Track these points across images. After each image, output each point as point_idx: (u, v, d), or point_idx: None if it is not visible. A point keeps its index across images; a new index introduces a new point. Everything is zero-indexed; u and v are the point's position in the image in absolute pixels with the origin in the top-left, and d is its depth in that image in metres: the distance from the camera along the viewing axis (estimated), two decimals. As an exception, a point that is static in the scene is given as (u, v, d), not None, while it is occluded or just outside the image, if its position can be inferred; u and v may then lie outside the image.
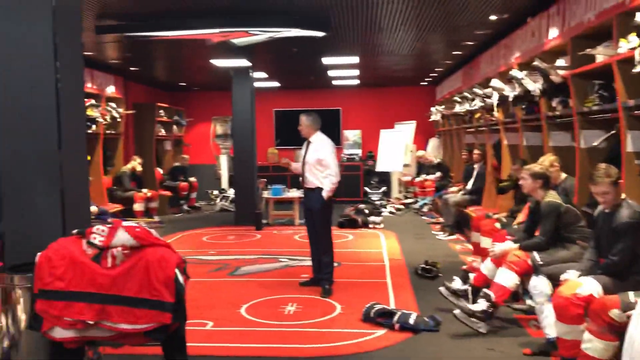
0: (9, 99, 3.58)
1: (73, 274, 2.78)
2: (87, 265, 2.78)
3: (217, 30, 6.28)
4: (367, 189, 13.39)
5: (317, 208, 5.68)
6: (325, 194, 5.59)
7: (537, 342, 4.15)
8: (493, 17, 6.50)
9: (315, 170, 5.64)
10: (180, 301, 2.81)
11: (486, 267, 4.78)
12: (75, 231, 3.00)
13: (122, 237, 2.81)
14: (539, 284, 4.02)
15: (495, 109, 6.81)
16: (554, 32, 5.45)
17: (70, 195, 3.66)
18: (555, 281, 3.99)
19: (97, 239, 2.81)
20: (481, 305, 4.34)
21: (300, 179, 5.84)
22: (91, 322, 2.76)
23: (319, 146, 5.67)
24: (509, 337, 4.32)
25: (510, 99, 6.01)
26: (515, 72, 5.81)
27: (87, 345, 3.03)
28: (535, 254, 4.33)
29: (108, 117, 9.72)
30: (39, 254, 2.92)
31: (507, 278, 4.32)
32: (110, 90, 10.06)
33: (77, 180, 3.79)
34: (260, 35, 6.42)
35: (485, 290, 4.40)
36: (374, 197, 12.95)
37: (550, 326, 3.86)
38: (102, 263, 2.80)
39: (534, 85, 5.51)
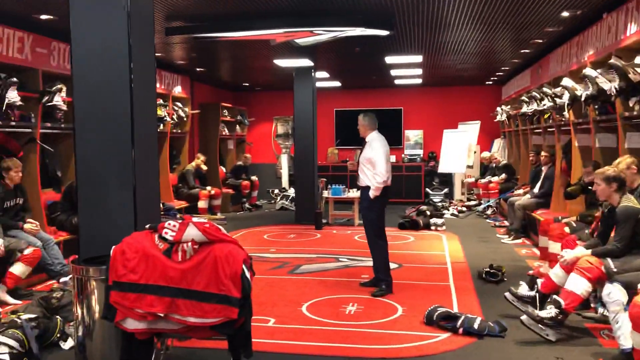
0: (85, 99, 3.76)
1: (145, 267, 2.87)
2: (159, 259, 2.87)
3: (281, 31, 6.34)
4: (428, 190, 13.22)
5: (364, 206, 5.76)
6: (371, 192, 5.59)
7: (610, 352, 3.97)
8: (565, 14, 6.25)
9: (365, 170, 5.67)
10: (247, 297, 2.85)
11: (555, 273, 4.60)
12: (147, 226, 3.10)
13: (192, 232, 2.88)
14: (614, 292, 3.83)
15: (566, 109, 6.54)
16: (632, 28, 5.18)
17: (142, 191, 3.80)
18: (630, 289, 3.81)
19: (169, 234, 2.89)
20: (550, 312, 4.18)
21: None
22: (161, 315, 2.84)
23: (372, 145, 5.69)
24: (580, 346, 4.14)
25: (583, 99, 5.75)
26: (588, 71, 5.56)
27: (156, 337, 3.12)
28: (609, 261, 4.14)
29: (175, 117, 10.02)
30: (113, 247, 3.03)
31: (579, 285, 4.15)
32: (177, 90, 10.36)
33: (148, 177, 3.92)
34: (324, 35, 6.43)
35: (554, 296, 4.24)
36: (436, 199, 12.77)
37: (626, 337, 3.68)
38: (173, 257, 2.88)
39: (610, 84, 5.25)
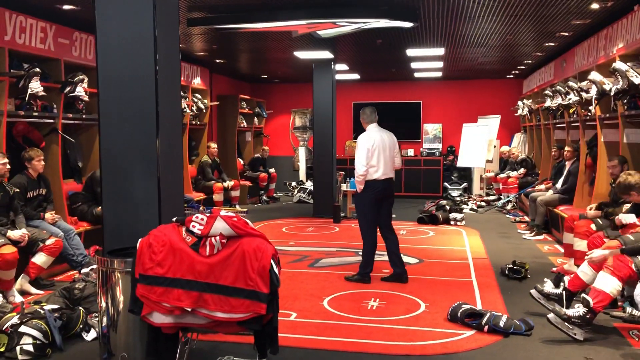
0: (111, 89, 3.73)
1: (172, 260, 2.84)
2: (186, 253, 2.83)
3: (304, 22, 6.27)
4: (446, 184, 13.10)
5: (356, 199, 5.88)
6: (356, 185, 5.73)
7: (640, 353, 3.88)
8: (595, 5, 6.09)
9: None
10: (275, 292, 2.81)
11: (583, 270, 4.51)
12: (175, 219, 3.06)
13: (220, 226, 2.83)
14: (647, 292, 3.73)
15: (593, 103, 6.40)
16: (666, 21, 5.04)
17: (166, 183, 3.77)
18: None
19: (197, 227, 2.85)
20: (579, 310, 4.10)
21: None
22: (189, 309, 2.81)
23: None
24: (608, 346, 4.05)
25: (613, 93, 5.62)
26: (619, 64, 5.43)
27: (181, 331, 3.09)
28: (640, 259, 4.05)
29: (194, 108, 10.00)
30: (140, 239, 3.00)
31: (608, 283, 4.06)
32: (197, 81, 10.34)
33: (172, 169, 3.89)
34: (346, 26, 6.35)
35: (583, 295, 4.15)
36: (454, 193, 12.65)
37: (658, 338, 3.59)
38: (201, 251, 2.84)
39: (641, 78, 5.13)
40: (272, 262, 2.79)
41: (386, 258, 5.98)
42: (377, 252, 5.91)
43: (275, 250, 2.87)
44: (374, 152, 5.64)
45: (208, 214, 2.89)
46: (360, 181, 5.68)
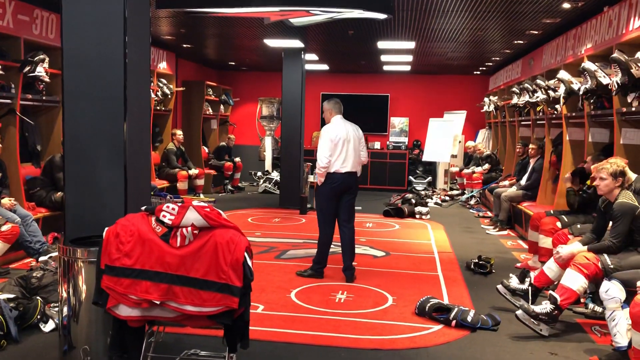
0: (76, 70, 3.55)
1: (141, 251, 2.71)
2: (156, 244, 2.71)
3: (277, 9, 6.13)
4: (411, 178, 13.19)
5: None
6: (316, 178, 5.65)
7: (603, 349, 3.96)
8: (566, 5, 6.16)
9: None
10: (248, 286, 2.72)
11: (549, 267, 4.58)
12: (144, 208, 2.93)
13: (192, 216, 2.72)
14: (612, 289, 3.78)
15: (561, 102, 6.49)
16: (635, 23, 5.12)
17: (133, 170, 3.62)
18: (628, 287, 3.78)
19: (167, 217, 2.73)
20: (545, 307, 4.14)
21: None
22: (157, 302, 2.70)
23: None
24: (573, 342, 4.12)
25: (581, 93, 5.70)
26: (588, 64, 5.51)
27: (148, 324, 2.97)
28: (606, 257, 4.12)
29: (159, 93, 9.75)
30: (106, 228, 2.86)
31: (575, 281, 4.11)
32: (162, 66, 10.08)
33: (139, 156, 3.74)
34: (320, 15, 6.23)
35: (550, 292, 4.20)
36: (419, 187, 12.76)
37: (622, 335, 3.65)
38: (171, 242, 2.72)
39: (609, 79, 5.20)
40: (245, 254, 2.69)
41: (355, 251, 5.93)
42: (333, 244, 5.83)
43: (249, 243, 2.78)
44: (337, 145, 5.52)
45: (180, 204, 2.77)
46: (321, 173, 5.54)
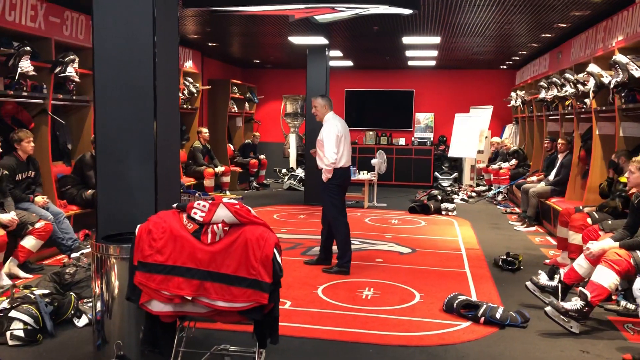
0: (107, 71, 3.60)
1: (173, 247, 2.76)
2: (187, 240, 2.75)
3: (302, 6, 6.15)
4: (437, 174, 13.10)
5: (321, 189, 5.72)
6: (323, 175, 5.61)
7: (636, 347, 3.89)
8: (598, -3, 6.06)
9: (319, 152, 5.68)
10: (277, 282, 2.75)
11: (579, 264, 4.51)
12: (175, 205, 2.98)
13: (223, 213, 2.76)
14: (646, 287, 3.72)
15: (590, 95, 6.37)
16: (668, 14, 5.01)
17: (163, 167, 3.67)
18: (662, 284, 3.71)
19: (198, 214, 2.77)
20: (576, 304, 4.09)
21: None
22: (189, 298, 2.74)
23: (323, 127, 5.68)
24: (604, 339, 4.06)
25: (612, 86, 5.59)
26: (620, 57, 5.40)
27: (179, 319, 3.02)
28: (639, 254, 4.04)
29: (186, 92, 9.85)
30: (139, 225, 2.92)
31: (607, 277, 4.05)
32: (188, 65, 10.19)
33: (169, 153, 3.79)
34: (345, 11, 6.23)
35: (581, 288, 4.14)
36: (444, 183, 12.67)
37: (656, 332, 3.59)
38: (202, 239, 2.76)
39: (641, 72, 5.10)
40: (275, 251, 2.72)
41: (380, 247, 5.95)
42: (371, 240, 5.85)
43: (278, 239, 2.80)
44: (340, 140, 5.59)
45: (210, 201, 2.81)
46: (330, 170, 5.57)
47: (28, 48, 5.63)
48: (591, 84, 6.24)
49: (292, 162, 12.97)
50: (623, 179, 5.34)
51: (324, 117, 5.75)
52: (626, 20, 6.00)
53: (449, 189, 11.80)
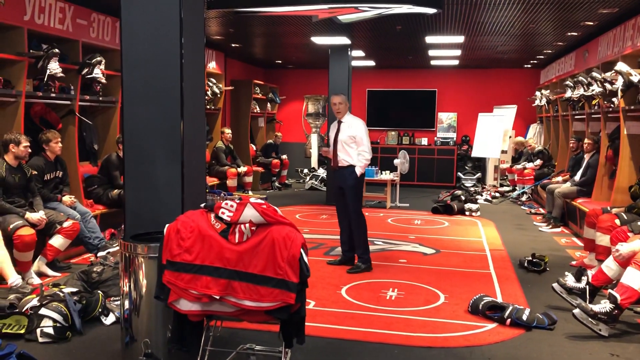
0: (135, 72, 3.65)
1: (201, 247, 2.78)
2: (215, 240, 2.78)
3: (325, 6, 6.14)
4: (460, 174, 13.00)
5: (351, 185, 5.73)
6: (358, 170, 5.69)
7: (667, 351, 3.81)
8: (625, -6, 5.95)
9: (348, 148, 5.70)
10: (304, 282, 2.76)
11: (608, 265, 4.44)
12: (203, 205, 3.00)
13: (250, 213, 2.77)
14: (677, 289, 3.65)
15: (619, 94, 6.27)
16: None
17: (190, 167, 3.70)
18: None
19: (226, 214, 2.79)
20: (605, 306, 4.02)
21: (328, 160, 5.86)
22: (217, 297, 2.76)
23: (352, 124, 5.74)
24: (635, 342, 3.99)
25: (641, 85, 5.50)
26: (649, 55, 5.30)
27: (206, 318, 3.05)
28: (670, 255, 3.96)
29: (209, 93, 9.93)
30: (167, 225, 2.95)
31: (637, 279, 3.98)
32: (212, 66, 10.26)
33: (195, 153, 3.83)
34: (368, 11, 6.21)
35: (610, 291, 4.08)
36: (467, 184, 12.56)
37: (688, 336, 3.51)
38: (230, 238, 2.78)
39: (671, 70, 4.99)
40: (301, 251, 2.73)
41: (403, 248, 5.93)
42: (394, 241, 5.84)
43: (304, 239, 2.81)
44: None
45: (238, 201, 2.83)
46: (366, 165, 5.78)
47: (56, 50, 5.72)
48: (619, 82, 6.13)
49: (314, 162, 12.94)
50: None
51: (346, 116, 5.81)
52: (656, 17, 5.89)
53: (472, 189, 11.70)
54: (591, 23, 7.56)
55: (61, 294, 4.11)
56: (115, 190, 6.49)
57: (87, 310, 4.17)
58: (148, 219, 3.66)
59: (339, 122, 5.81)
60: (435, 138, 13.56)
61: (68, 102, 6.31)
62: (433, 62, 12.49)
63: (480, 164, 13.15)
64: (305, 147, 13.83)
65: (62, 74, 5.86)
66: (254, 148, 12.36)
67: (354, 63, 11.77)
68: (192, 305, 2.80)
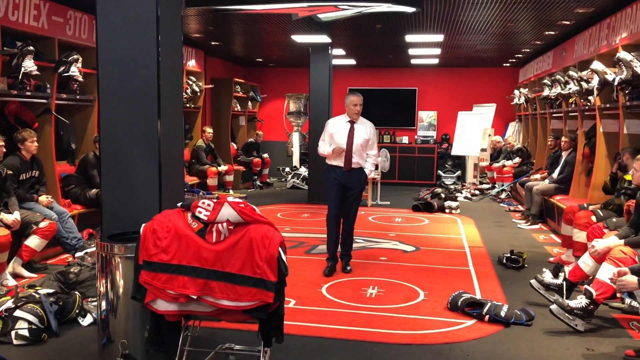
0: (111, 70, 3.60)
1: (178, 247, 2.76)
2: (192, 239, 2.76)
3: (305, 5, 6.14)
4: (440, 172, 13.09)
5: (360, 187, 5.68)
6: (368, 172, 5.68)
7: (641, 345, 3.88)
8: (601, -6, 6.03)
9: (362, 152, 5.62)
10: (283, 281, 2.75)
11: (584, 261, 4.50)
12: (180, 204, 2.98)
13: (227, 212, 2.76)
14: (651, 285, 3.70)
15: (594, 93, 6.36)
16: (673, 11, 4.99)
17: (167, 166, 3.67)
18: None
19: (203, 213, 2.77)
20: (581, 302, 4.08)
21: (338, 160, 5.55)
22: (194, 297, 2.74)
23: (367, 127, 5.66)
24: (609, 337, 4.05)
25: (616, 83, 5.58)
26: (624, 54, 5.39)
27: (184, 318, 3.02)
28: (644, 251, 4.03)
29: (189, 91, 9.86)
30: (143, 225, 2.92)
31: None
32: (191, 64, 10.19)
33: (173, 152, 3.80)
34: (348, 10, 6.23)
35: (586, 286, 4.13)
36: (448, 181, 12.66)
37: (661, 330, 3.58)
38: (207, 238, 2.76)
39: (645, 69, 5.08)
40: (280, 249, 2.72)
41: (384, 245, 5.95)
42: (375, 239, 5.86)
43: (283, 238, 2.80)
44: None
45: (215, 200, 2.81)
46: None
47: (31, 48, 5.63)
48: (595, 81, 6.22)
49: (296, 160, 12.97)
50: (628, 177, 5.33)
51: (360, 118, 5.68)
52: (630, 17, 5.98)
53: (452, 187, 11.78)
54: (568, 22, 7.65)
55: (37, 296, 4.05)
56: (93, 190, 6.42)
57: (64, 311, 4.11)
58: (125, 218, 3.62)
59: (352, 123, 5.60)
60: (416, 136, 13.63)
61: (44, 101, 6.21)
62: (413, 61, 12.55)
63: (460, 162, 13.25)
64: (287, 145, 13.84)
65: (37, 72, 5.77)
66: (235, 147, 12.30)
67: (335, 62, 11.79)
68: (169, 305, 2.78)
